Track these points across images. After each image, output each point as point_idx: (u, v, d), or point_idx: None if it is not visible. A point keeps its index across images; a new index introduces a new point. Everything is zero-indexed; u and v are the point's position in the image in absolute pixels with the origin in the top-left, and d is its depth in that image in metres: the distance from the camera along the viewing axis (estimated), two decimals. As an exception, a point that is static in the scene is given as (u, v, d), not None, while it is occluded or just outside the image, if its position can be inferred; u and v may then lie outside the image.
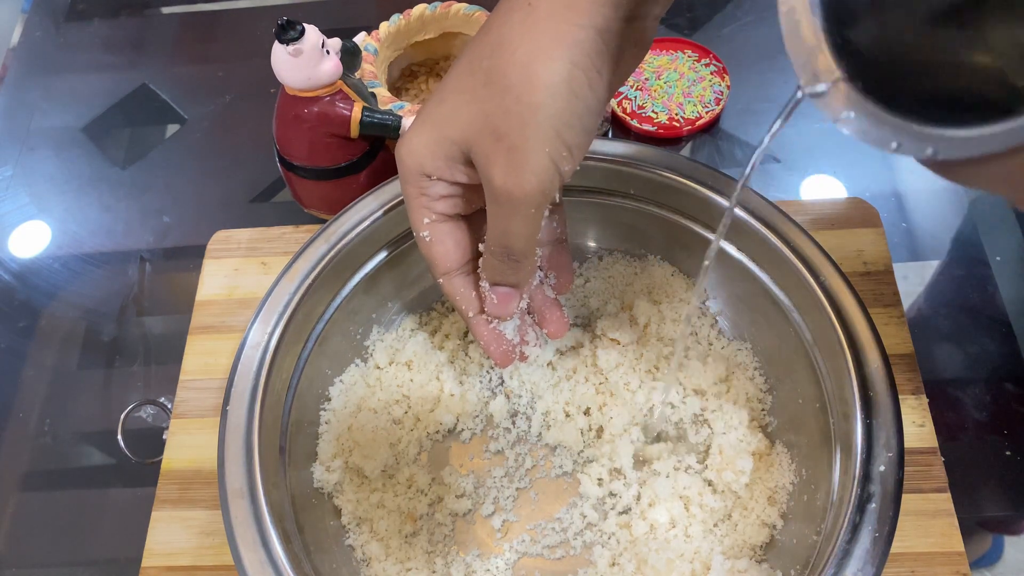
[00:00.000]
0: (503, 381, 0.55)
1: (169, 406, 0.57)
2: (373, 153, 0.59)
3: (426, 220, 0.41)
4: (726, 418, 0.51)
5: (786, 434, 0.51)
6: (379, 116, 0.56)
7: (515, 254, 0.40)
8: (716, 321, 0.56)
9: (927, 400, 0.52)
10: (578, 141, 0.35)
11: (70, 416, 0.60)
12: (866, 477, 0.41)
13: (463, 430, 0.55)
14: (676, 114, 0.67)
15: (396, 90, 0.69)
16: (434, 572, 0.49)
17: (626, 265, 0.58)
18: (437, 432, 0.54)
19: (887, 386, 0.44)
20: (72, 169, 0.73)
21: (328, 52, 0.54)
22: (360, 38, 0.63)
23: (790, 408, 0.51)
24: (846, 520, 0.40)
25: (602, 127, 0.66)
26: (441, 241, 0.42)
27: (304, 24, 0.52)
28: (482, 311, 0.45)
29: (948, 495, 0.49)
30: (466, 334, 0.57)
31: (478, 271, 0.44)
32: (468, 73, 0.36)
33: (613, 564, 0.49)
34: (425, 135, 0.38)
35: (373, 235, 0.53)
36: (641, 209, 0.54)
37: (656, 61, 0.70)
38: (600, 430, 0.53)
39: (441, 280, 0.44)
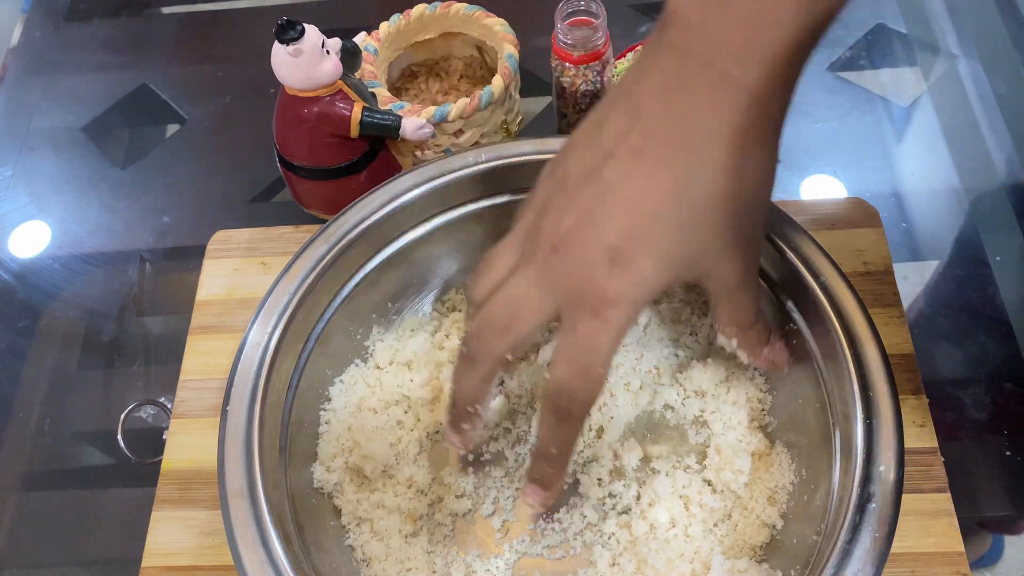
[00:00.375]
0: (503, 381, 0.55)
1: (169, 406, 0.57)
2: (373, 153, 0.59)
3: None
4: (725, 418, 0.51)
5: (786, 434, 0.51)
6: (379, 116, 0.56)
7: (762, 311, 0.46)
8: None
9: (927, 400, 0.52)
10: None
11: (70, 416, 0.60)
12: (866, 477, 0.41)
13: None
14: (676, 114, 0.67)
15: (396, 90, 0.69)
16: (434, 572, 0.49)
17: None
18: (437, 432, 0.54)
19: (887, 386, 0.44)
20: (72, 169, 0.73)
21: (328, 52, 0.54)
22: (360, 38, 0.63)
23: (790, 408, 0.51)
24: (846, 520, 0.40)
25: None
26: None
27: (304, 24, 0.53)
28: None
29: (948, 495, 0.49)
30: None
31: (746, 360, 0.47)
32: (715, 214, 0.38)
33: (613, 564, 0.49)
34: (667, 275, 0.39)
35: (373, 235, 0.53)
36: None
37: (656, 61, 0.69)
38: (601, 430, 0.52)
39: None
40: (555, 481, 0.44)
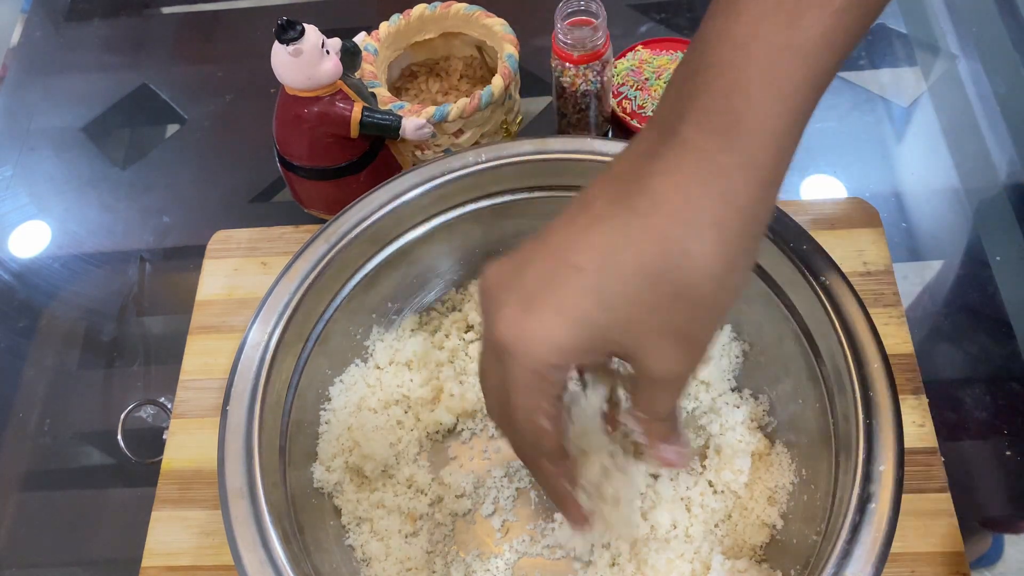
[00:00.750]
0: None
1: (169, 406, 0.57)
2: (373, 153, 0.59)
3: (545, 406, 0.37)
4: (722, 420, 0.51)
5: (786, 434, 0.51)
6: (379, 116, 0.56)
7: (679, 410, 0.40)
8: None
9: (927, 400, 0.52)
10: None
11: (70, 416, 0.60)
12: (866, 477, 0.41)
13: (463, 430, 0.55)
14: (676, 114, 0.67)
15: (396, 90, 0.69)
16: (434, 572, 0.49)
17: None
18: (437, 432, 0.54)
19: (887, 386, 0.43)
20: (72, 169, 0.73)
21: (328, 52, 0.54)
22: (360, 38, 0.63)
23: (790, 408, 0.51)
24: (846, 520, 0.40)
25: (602, 127, 0.66)
26: (554, 421, 0.38)
27: (304, 24, 0.53)
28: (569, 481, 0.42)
29: (948, 495, 0.49)
30: (466, 333, 0.57)
31: (641, 442, 0.42)
32: (644, 285, 0.33)
33: (613, 564, 0.49)
34: (575, 334, 0.34)
35: (373, 235, 0.53)
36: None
37: (656, 61, 0.70)
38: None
39: (544, 463, 0.40)
40: (565, 511, 0.42)
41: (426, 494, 0.52)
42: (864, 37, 0.36)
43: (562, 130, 0.66)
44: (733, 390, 0.54)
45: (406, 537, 0.50)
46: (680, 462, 0.40)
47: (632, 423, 0.39)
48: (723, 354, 0.54)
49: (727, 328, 0.55)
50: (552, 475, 0.40)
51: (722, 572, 0.46)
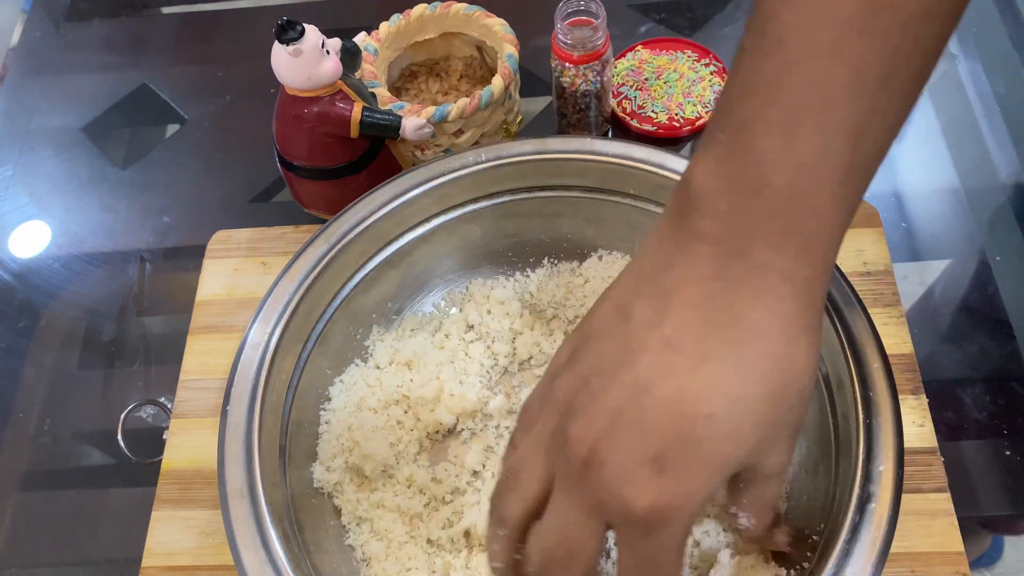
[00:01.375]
0: (503, 381, 0.55)
1: (169, 406, 0.57)
2: (373, 153, 0.59)
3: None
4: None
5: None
6: (379, 116, 0.56)
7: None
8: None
9: (927, 400, 0.52)
10: None
11: (70, 416, 0.60)
12: (866, 477, 0.41)
13: (463, 430, 0.55)
14: (676, 114, 0.67)
15: (396, 90, 0.69)
16: (434, 572, 0.49)
17: (626, 265, 0.58)
18: (437, 432, 0.54)
19: (887, 386, 0.44)
20: (72, 169, 0.73)
21: (328, 52, 0.54)
22: (360, 38, 0.63)
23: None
24: (846, 520, 0.40)
25: (602, 127, 0.66)
26: None
27: (304, 24, 0.53)
28: None
29: (948, 495, 0.49)
30: (466, 333, 0.57)
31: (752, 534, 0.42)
32: (772, 406, 0.35)
33: (613, 563, 0.49)
34: (720, 476, 0.35)
35: (373, 235, 0.53)
36: (641, 209, 0.54)
37: (656, 61, 0.70)
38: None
39: None
40: None
41: (426, 494, 0.52)
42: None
43: (562, 130, 0.66)
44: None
45: (406, 537, 0.50)
46: (783, 543, 0.42)
47: (743, 521, 0.40)
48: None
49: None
50: None
51: (728, 567, 0.46)
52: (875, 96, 0.32)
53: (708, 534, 0.48)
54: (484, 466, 0.53)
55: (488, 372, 0.56)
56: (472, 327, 0.58)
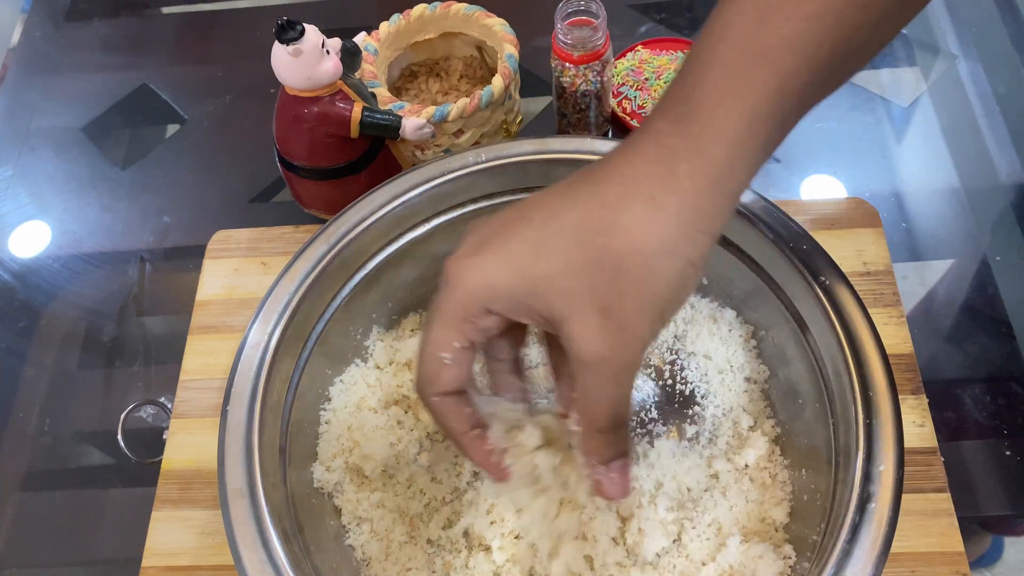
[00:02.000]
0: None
1: (169, 406, 0.57)
2: (373, 153, 0.59)
3: (456, 344, 0.38)
4: (722, 418, 0.52)
5: (786, 434, 0.51)
6: (379, 116, 0.56)
7: (623, 420, 0.38)
8: (715, 321, 0.56)
9: (927, 400, 0.52)
10: (676, 312, 0.37)
11: (70, 416, 0.60)
12: (866, 477, 0.41)
13: (463, 430, 0.54)
14: (676, 114, 0.67)
15: (396, 90, 0.69)
16: (434, 572, 0.49)
17: None
18: (437, 432, 0.54)
19: (887, 386, 0.43)
20: (72, 169, 0.73)
21: (328, 52, 0.54)
22: (360, 38, 0.63)
23: (790, 408, 0.51)
24: (846, 519, 0.40)
25: (602, 127, 0.66)
26: (458, 364, 0.38)
27: (304, 24, 0.53)
28: (474, 428, 0.41)
29: (948, 495, 0.49)
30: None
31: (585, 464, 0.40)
32: (575, 242, 0.34)
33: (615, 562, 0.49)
34: (508, 278, 0.35)
35: (373, 235, 0.53)
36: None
37: (656, 61, 0.70)
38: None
39: (435, 399, 0.40)
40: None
41: (426, 494, 0.52)
42: (856, 52, 0.35)
43: (562, 130, 0.66)
44: (732, 390, 0.54)
45: (406, 537, 0.50)
46: (611, 492, 0.39)
47: (572, 424, 0.39)
48: (722, 355, 0.54)
49: (726, 328, 0.55)
50: (443, 414, 0.40)
51: (737, 553, 0.46)
52: None
53: (718, 520, 0.49)
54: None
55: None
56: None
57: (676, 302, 0.36)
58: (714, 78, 0.34)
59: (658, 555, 0.48)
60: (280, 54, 0.53)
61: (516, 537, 0.49)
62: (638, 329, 0.35)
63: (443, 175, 0.53)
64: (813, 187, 0.66)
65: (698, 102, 0.34)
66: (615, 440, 0.38)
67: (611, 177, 0.35)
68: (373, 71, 0.63)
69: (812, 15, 0.33)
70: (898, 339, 0.54)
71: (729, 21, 0.34)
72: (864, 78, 0.71)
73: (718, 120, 0.34)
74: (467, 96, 0.61)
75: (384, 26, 0.65)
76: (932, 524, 0.48)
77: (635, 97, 0.68)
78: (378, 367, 0.55)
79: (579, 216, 0.35)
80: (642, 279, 0.34)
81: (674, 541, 0.48)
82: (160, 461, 0.54)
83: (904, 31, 0.74)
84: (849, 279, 0.47)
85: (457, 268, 0.37)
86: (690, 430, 0.53)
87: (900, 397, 0.44)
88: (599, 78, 0.61)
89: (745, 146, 0.34)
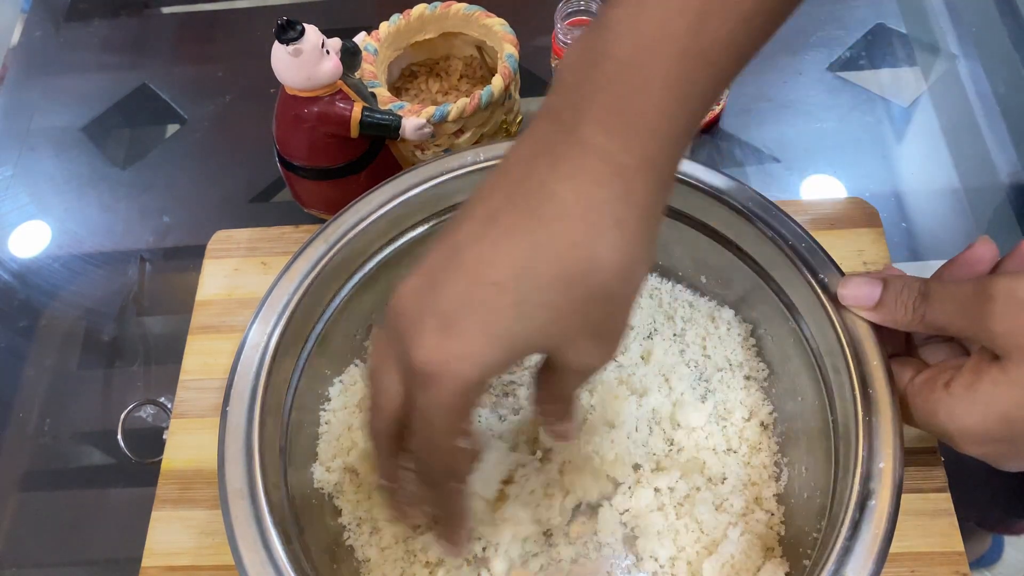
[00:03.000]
0: (502, 379, 0.55)
1: (169, 406, 0.57)
2: (373, 153, 0.59)
3: (466, 427, 0.36)
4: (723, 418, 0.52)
5: (785, 432, 0.51)
6: (379, 116, 0.56)
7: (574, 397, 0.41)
8: (714, 320, 0.56)
9: (927, 400, 0.52)
10: None
11: (70, 416, 0.60)
12: (867, 475, 0.41)
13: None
14: (676, 114, 0.67)
15: (396, 90, 0.69)
16: (433, 572, 0.49)
17: None
18: (437, 432, 0.54)
19: (886, 384, 0.43)
20: (72, 169, 0.73)
21: (328, 52, 0.54)
22: (360, 38, 0.63)
23: (789, 406, 0.51)
24: (847, 518, 0.40)
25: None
26: (473, 441, 0.37)
27: (304, 24, 0.53)
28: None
29: (948, 495, 0.49)
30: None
31: (541, 424, 0.44)
32: (561, 294, 0.33)
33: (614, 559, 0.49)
34: (501, 352, 0.34)
35: (373, 235, 0.53)
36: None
37: (656, 61, 0.70)
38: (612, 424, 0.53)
39: (455, 485, 0.39)
40: (455, 533, 0.41)
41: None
42: (765, 44, 0.36)
43: (562, 130, 0.66)
44: (731, 389, 0.54)
45: (406, 537, 0.50)
46: (570, 436, 0.42)
47: (549, 416, 0.41)
48: (722, 354, 0.54)
49: (725, 328, 0.55)
50: (457, 494, 0.39)
51: (737, 542, 0.46)
52: None
53: (727, 501, 0.49)
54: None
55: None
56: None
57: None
58: (657, 87, 0.33)
59: (656, 557, 0.48)
60: (280, 54, 0.53)
61: (514, 537, 0.49)
62: (622, 334, 0.36)
63: (443, 175, 0.53)
64: (813, 187, 0.66)
65: (642, 113, 0.33)
66: (571, 405, 0.40)
67: (565, 208, 0.33)
68: (373, 71, 0.63)
69: (748, 15, 0.34)
70: (898, 339, 0.54)
71: (664, 19, 0.33)
72: (864, 78, 0.71)
73: (665, 130, 0.34)
74: (467, 96, 0.61)
75: (384, 26, 0.65)
76: (932, 524, 0.48)
77: (635, 97, 0.68)
78: (378, 367, 0.55)
79: (554, 268, 0.33)
80: (624, 296, 0.35)
81: (673, 539, 0.48)
82: (160, 461, 0.54)
83: (904, 31, 0.74)
84: (849, 279, 0.47)
85: (440, 359, 0.33)
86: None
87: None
88: (599, 78, 0.61)
89: (683, 147, 0.35)
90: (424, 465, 0.38)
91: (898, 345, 0.46)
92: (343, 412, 0.53)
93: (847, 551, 0.39)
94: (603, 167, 0.33)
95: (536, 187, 0.34)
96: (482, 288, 0.34)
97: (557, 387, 0.39)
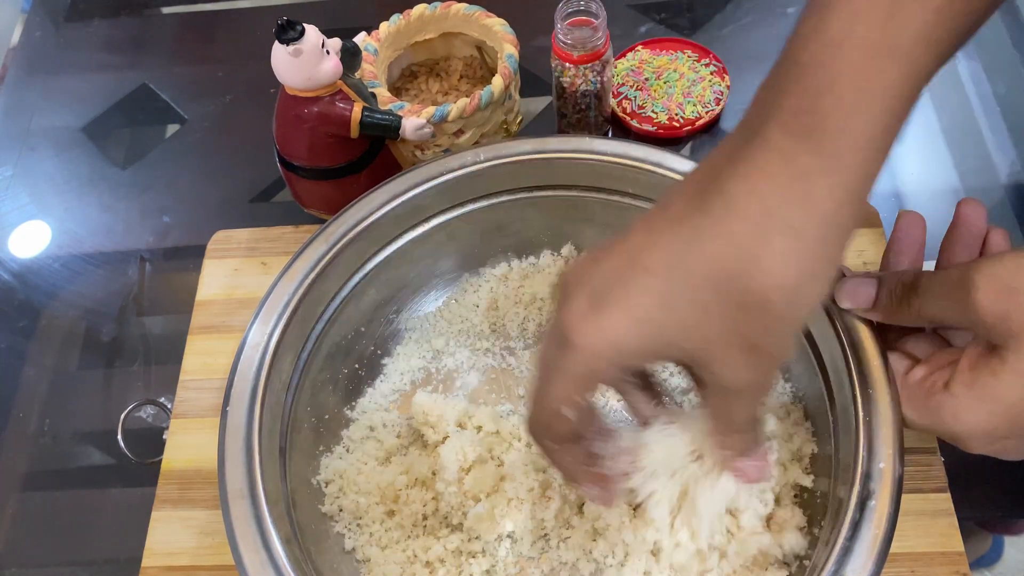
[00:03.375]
0: (499, 379, 0.55)
1: (169, 406, 0.57)
2: (373, 153, 0.59)
3: (578, 399, 0.36)
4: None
5: (785, 431, 0.51)
6: (379, 116, 0.56)
7: (758, 418, 0.39)
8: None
9: (927, 400, 0.52)
10: None
11: (70, 416, 0.60)
12: (867, 475, 0.41)
13: (463, 430, 0.55)
14: (676, 114, 0.67)
15: (396, 90, 0.69)
16: (433, 573, 0.49)
17: None
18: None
19: (886, 384, 0.43)
20: (72, 169, 0.73)
21: (328, 52, 0.54)
22: (360, 38, 0.63)
23: (789, 406, 0.51)
24: (846, 518, 0.40)
25: (602, 127, 0.66)
26: (578, 417, 0.37)
27: (304, 24, 0.53)
28: (586, 462, 0.41)
29: (948, 495, 0.49)
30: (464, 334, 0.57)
31: (723, 458, 0.41)
32: (710, 292, 0.32)
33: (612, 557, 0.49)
34: (638, 338, 0.33)
35: (373, 235, 0.53)
36: (641, 209, 0.54)
37: (656, 61, 0.70)
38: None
39: (548, 443, 0.39)
40: (585, 492, 0.41)
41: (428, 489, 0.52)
42: (970, 36, 0.34)
43: (562, 130, 0.66)
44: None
45: (406, 538, 0.50)
46: (758, 476, 0.40)
47: (712, 436, 0.39)
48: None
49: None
50: (557, 455, 0.39)
51: (737, 548, 0.46)
52: None
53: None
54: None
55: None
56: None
57: (812, 316, 0.35)
58: (844, 83, 0.32)
59: (654, 555, 0.48)
60: (280, 54, 0.53)
61: (510, 537, 0.49)
62: (782, 355, 0.35)
63: (443, 175, 0.53)
64: (813, 187, 0.66)
65: (827, 112, 0.32)
66: (754, 437, 0.39)
67: (736, 208, 0.32)
68: (373, 71, 0.63)
69: (941, 6, 0.32)
70: (898, 339, 0.54)
71: (851, 16, 0.32)
72: (864, 78, 0.71)
73: (854, 130, 0.32)
74: (467, 96, 0.61)
75: (384, 26, 0.65)
76: (932, 524, 0.48)
77: (635, 97, 0.68)
78: (378, 367, 0.55)
79: (709, 263, 0.32)
80: (787, 313, 0.33)
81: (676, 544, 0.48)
82: (160, 461, 0.54)
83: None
84: (849, 279, 0.47)
85: (579, 329, 0.34)
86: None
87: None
88: (599, 78, 0.61)
89: (881, 151, 0.33)
90: (531, 415, 0.38)
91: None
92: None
93: (847, 551, 0.39)
94: (782, 168, 0.32)
95: (711, 183, 0.33)
96: (633, 271, 0.33)
97: (723, 411, 0.37)
